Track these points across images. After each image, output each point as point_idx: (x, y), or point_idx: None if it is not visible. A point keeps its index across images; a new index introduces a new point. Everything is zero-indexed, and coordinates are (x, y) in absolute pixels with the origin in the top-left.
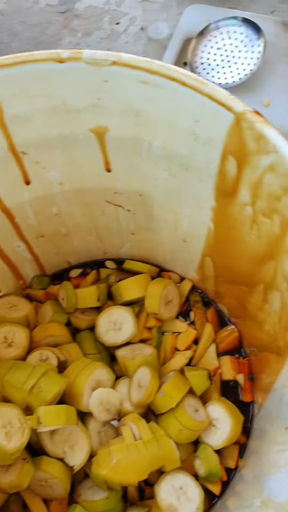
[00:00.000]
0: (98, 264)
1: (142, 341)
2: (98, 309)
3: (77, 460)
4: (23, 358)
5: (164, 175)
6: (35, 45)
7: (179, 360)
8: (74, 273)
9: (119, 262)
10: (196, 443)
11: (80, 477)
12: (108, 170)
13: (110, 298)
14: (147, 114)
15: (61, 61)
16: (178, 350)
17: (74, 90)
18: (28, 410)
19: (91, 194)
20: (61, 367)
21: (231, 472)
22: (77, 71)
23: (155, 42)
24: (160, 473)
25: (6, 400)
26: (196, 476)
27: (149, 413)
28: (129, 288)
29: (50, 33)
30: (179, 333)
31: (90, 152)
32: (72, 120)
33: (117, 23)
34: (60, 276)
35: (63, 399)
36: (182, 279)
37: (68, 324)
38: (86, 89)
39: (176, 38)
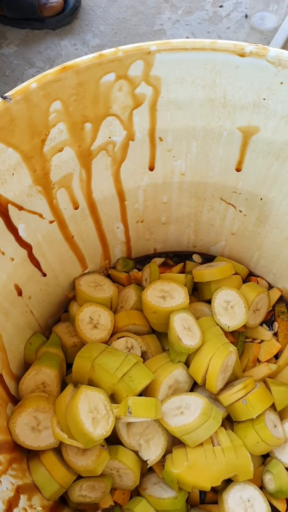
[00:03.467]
0: (178, 255)
1: None
2: None
3: (151, 455)
4: (107, 341)
5: None
6: (133, 14)
7: (262, 370)
8: (157, 261)
9: (206, 257)
10: (263, 456)
11: (144, 471)
12: (238, 170)
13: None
14: None
15: (242, 55)
16: (259, 360)
17: (241, 86)
18: (111, 398)
19: (208, 189)
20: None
21: None
22: (254, 68)
23: (257, 33)
24: (225, 481)
25: (93, 384)
26: (261, 489)
27: (224, 421)
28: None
29: (150, 4)
30: (262, 341)
31: (228, 149)
32: (225, 115)
33: (221, 6)
34: (142, 262)
35: None
36: (270, 286)
37: None
38: (255, 87)
39: (282, 33)
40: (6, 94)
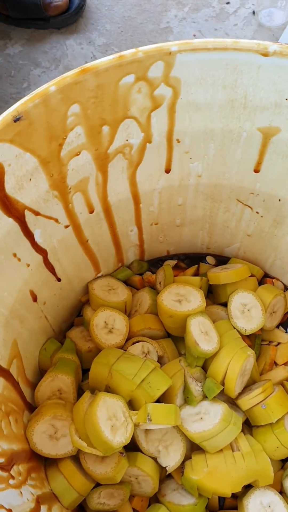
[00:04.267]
0: (190, 257)
1: None
2: None
3: (170, 461)
4: (122, 346)
5: None
6: (139, 12)
7: (280, 373)
8: (170, 263)
9: (220, 259)
10: (282, 460)
11: (162, 477)
12: (256, 171)
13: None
14: None
15: (265, 54)
16: (276, 363)
17: (263, 86)
18: (128, 405)
19: (224, 191)
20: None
21: None
22: (278, 68)
23: (265, 30)
24: (244, 486)
25: (110, 390)
26: (281, 494)
27: (243, 425)
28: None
29: (156, 2)
30: (279, 343)
31: (246, 151)
32: (245, 116)
33: (227, 3)
34: (154, 264)
35: None
36: (286, 288)
37: None
38: (277, 87)
39: None
40: (17, 116)
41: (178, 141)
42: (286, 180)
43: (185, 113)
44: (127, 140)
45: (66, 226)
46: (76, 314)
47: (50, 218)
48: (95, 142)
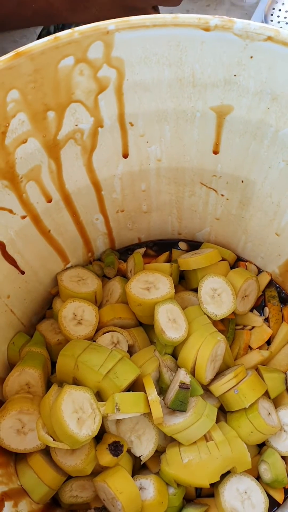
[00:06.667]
0: (158, 244)
1: None
2: None
3: (144, 451)
4: (92, 337)
5: (281, 165)
6: None
7: (254, 357)
8: (141, 251)
9: (193, 244)
10: (259, 445)
11: (137, 467)
12: (215, 152)
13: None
14: (286, 99)
15: (207, 29)
16: (250, 347)
17: (210, 63)
18: (97, 396)
19: (186, 174)
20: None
21: None
22: (221, 42)
23: (238, 9)
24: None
25: (77, 382)
26: (258, 479)
27: (218, 412)
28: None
29: None
30: (253, 327)
31: (202, 131)
32: (196, 95)
33: None
34: (125, 253)
35: None
36: (259, 270)
37: None
38: (224, 63)
39: (263, 8)
40: None
41: (132, 124)
42: (246, 161)
43: (133, 94)
44: (76, 125)
45: (23, 217)
46: (48, 307)
47: (3, 209)
48: (42, 128)
